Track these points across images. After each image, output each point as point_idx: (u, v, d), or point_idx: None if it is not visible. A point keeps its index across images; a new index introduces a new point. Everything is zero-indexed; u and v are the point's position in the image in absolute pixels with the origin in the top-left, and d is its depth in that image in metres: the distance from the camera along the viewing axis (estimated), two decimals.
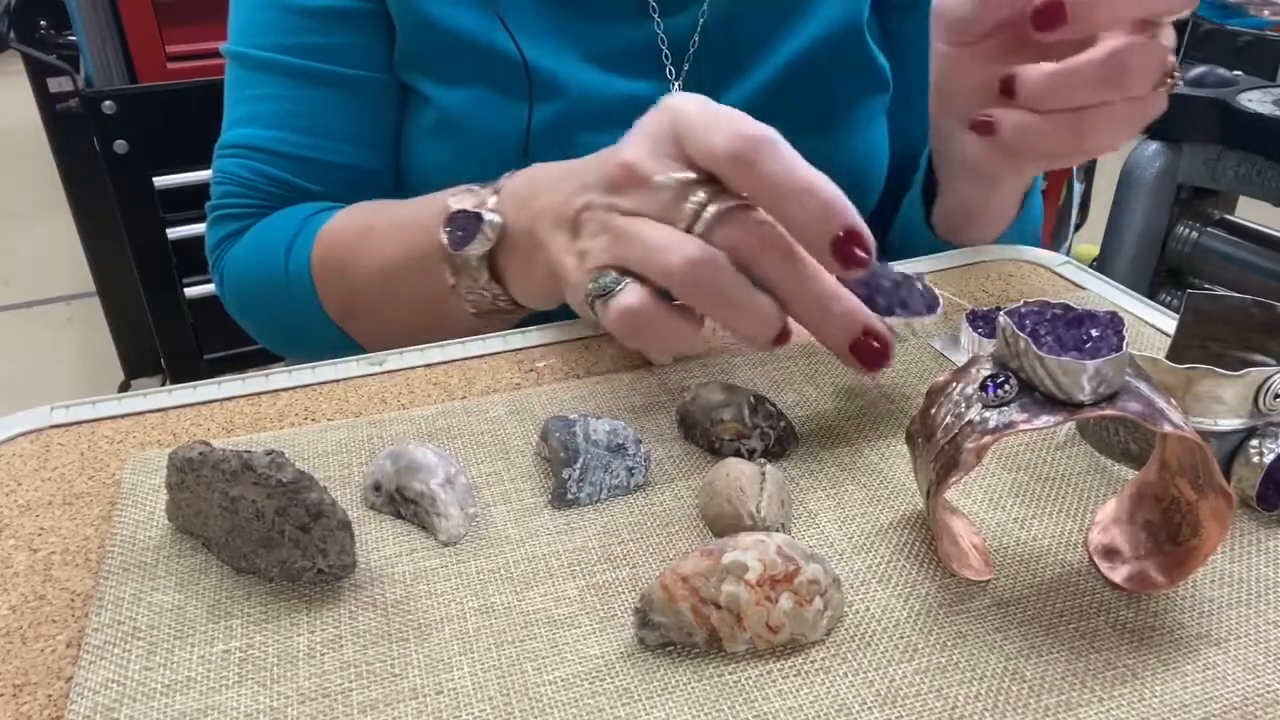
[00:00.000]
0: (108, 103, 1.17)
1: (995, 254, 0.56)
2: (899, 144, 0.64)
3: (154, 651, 0.31)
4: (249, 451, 0.32)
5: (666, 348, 0.41)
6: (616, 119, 0.55)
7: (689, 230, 0.37)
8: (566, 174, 0.43)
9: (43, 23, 1.57)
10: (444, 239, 0.46)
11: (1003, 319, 0.31)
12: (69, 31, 1.50)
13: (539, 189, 0.44)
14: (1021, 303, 0.32)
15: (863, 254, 0.35)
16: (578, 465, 0.37)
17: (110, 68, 1.24)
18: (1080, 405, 0.29)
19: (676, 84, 0.57)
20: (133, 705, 0.29)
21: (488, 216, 0.45)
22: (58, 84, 1.64)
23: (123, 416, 0.43)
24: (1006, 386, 0.30)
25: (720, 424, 0.39)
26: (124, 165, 1.21)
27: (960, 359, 0.44)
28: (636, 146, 0.38)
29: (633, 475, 0.38)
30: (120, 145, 1.19)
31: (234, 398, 0.44)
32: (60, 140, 1.64)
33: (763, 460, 0.37)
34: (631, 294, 0.37)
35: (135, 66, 1.23)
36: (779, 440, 0.40)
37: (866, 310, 0.38)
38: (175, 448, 0.34)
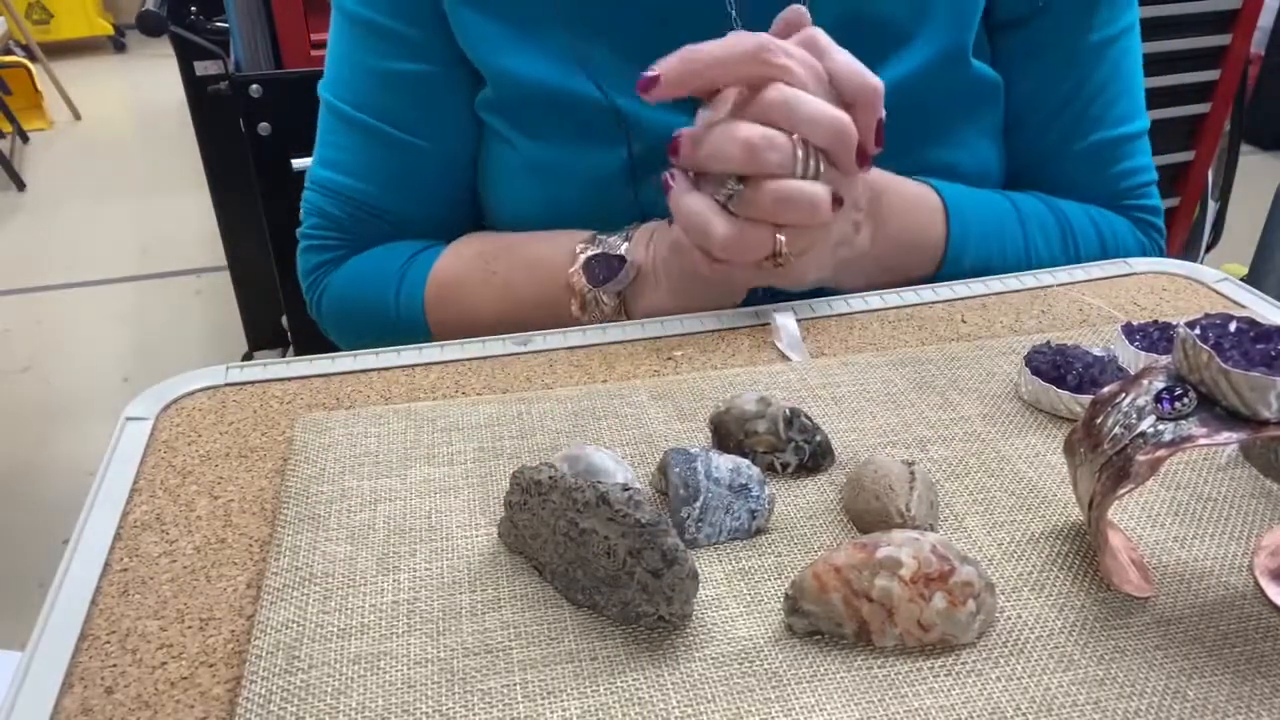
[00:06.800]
0: (254, 86, 1.23)
1: (1147, 266, 0.55)
2: (1016, 161, 0.62)
3: (329, 597, 0.33)
4: (602, 483, 0.31)
5: (799, 219, 0.46)
6: None
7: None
8: None
9: (193, 9, 1.67)
10: (582, 280, 0.53)
11: (1183, 330, 0.30)
12: (217, 18, 1.58)
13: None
14: (1202, 315, 0.31)
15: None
16: (697, 505, 0.35)
17: (258, 53, 1.30)
18: (1266, 423, 0.28)
19: None
20: (312, 645, 0.31)
21: (630, 258, 0.52)
22: (203, 67, 1.73)
23: (291, 379, 0.46)
24: (1185, 400, 0.29)
25: (753, 436, 0.38)
26: (266, 147, 1.27)
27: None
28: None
29: (755, 518, 0.36)
30: (264, 128, 1.25)
31: (390, 368, 0.47)
32: (204, 121, 1.74)
33: (909, 460, 0.37)
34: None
35: (281, 52, 1.30)
36: (813, 455, 0.38)
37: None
38: (522, 466, 0.33)
